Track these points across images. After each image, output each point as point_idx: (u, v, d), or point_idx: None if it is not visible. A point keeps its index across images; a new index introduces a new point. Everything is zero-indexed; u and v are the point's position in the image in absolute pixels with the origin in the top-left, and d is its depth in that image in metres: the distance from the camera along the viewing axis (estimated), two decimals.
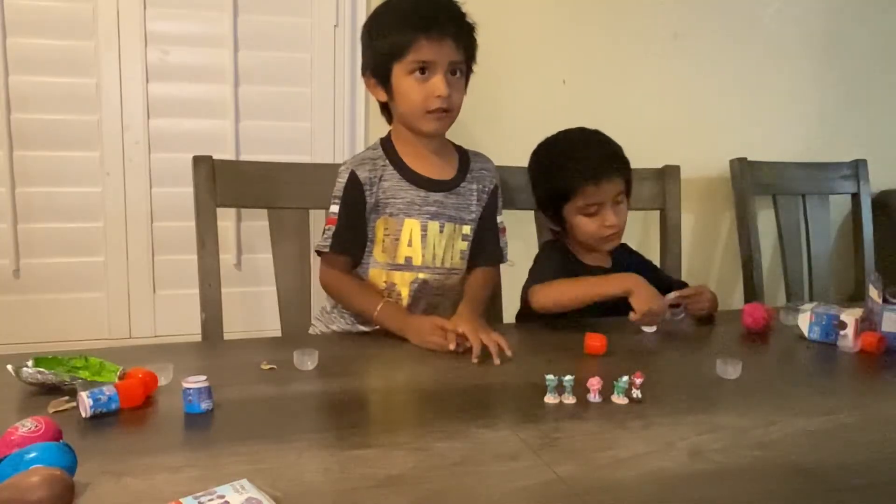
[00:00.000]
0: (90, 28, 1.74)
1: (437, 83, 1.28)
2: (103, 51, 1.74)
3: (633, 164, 1.50)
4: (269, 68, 1.87)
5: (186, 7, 1.80)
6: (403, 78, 1.30)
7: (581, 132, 1.52)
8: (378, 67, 1.33)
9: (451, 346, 1.18)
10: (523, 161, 1.57)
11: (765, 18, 2.21)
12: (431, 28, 1.27)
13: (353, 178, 1.34)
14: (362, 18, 1.85)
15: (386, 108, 1.41)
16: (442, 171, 1.39)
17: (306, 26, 1.88)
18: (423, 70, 1.28)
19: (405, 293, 1.36)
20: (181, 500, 0.64)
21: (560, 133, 1.54)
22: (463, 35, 1.32)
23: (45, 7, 1.71)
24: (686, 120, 2.16)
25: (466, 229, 1.41)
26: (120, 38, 1.75)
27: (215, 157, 1.49)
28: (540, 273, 1.45)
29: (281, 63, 1.88)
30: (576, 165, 1.44)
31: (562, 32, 2.04)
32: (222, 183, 1.49)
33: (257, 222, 1.77)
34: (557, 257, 1.50)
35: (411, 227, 1.35)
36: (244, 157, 1.84)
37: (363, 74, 1.38)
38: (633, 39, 2.10)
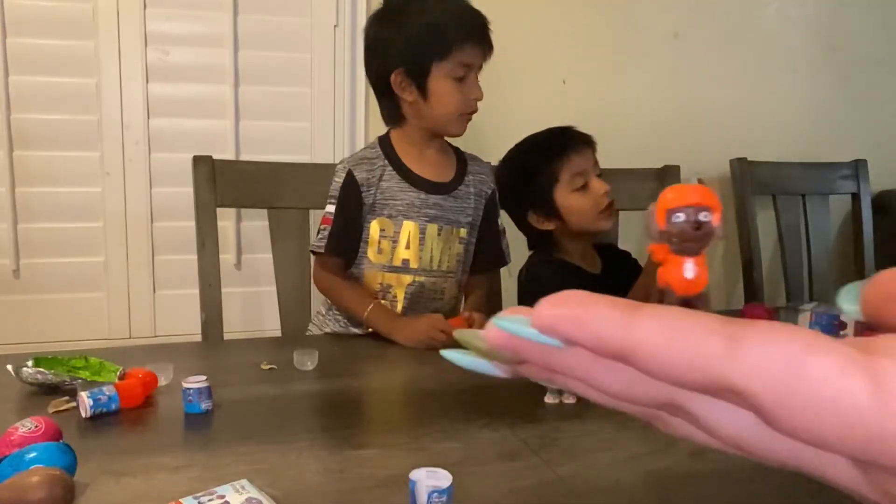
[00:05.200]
0: (90, 28, 1.73)
1: (475, 86, 1.30)
2: (103, 51, 1.74)
3: (633, 164, 1.50)
4: (269, 68, 1.87)
5: (186, 7, 1.80)
6: (443, 80, 1.28)
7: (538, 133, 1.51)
8: (415, 65, 1.28)
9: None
10: None
11: (765, 18, 2.21)
12: (473, 32, 1.29)
13: (349, 179, 1.32)
14: (362, 18, 1.85)
15: (395, 110, 1.35)
16: (441, 173, 1.38)
17: (306, 26, 1.88)
18: (463, 74, 1.29)
19: (401, 295, 1.35)
20: (181, 500, 0.64)
21: (515, 146, 1.52)
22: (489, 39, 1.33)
23: (45, 7, 1.71)
24: (686, 120, 2.16)
25: (463, 232, 1.40)
26: (120, 38, 1.75)
27: (215, 157, 1.49)
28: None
29: (281, 63, 1.88)
30: (552, 146, 1.44)
31: (562, 32, 2.04)
32: (222, 183, 1.49)
33: (257, 222, 1.77)
34: (558, 279, 1.43)
35: (409, 229, 1.34)
36: (244, 157, 1.84)
37: (392, 71, 1.30)
38: (633, 39, 2.10)
